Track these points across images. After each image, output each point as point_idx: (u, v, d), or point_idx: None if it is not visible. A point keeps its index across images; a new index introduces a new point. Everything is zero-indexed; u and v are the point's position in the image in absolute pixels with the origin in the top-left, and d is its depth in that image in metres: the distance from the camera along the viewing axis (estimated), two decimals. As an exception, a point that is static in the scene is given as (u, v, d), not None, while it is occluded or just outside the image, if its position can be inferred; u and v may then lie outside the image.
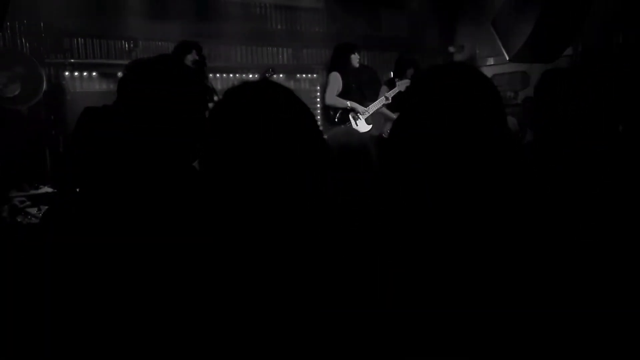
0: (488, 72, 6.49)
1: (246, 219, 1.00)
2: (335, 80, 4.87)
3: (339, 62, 4.87)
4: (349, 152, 1.67)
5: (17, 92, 4.75)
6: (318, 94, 5.17)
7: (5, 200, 3.50)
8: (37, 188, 4.29)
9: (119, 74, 5.64)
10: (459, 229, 1.08)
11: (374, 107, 4.98)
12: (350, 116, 4.89)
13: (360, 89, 4.94)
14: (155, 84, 1.32)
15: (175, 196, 1.27)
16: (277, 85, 1.08)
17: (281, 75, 6.16)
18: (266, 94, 1.05)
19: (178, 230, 1.11)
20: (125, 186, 1.30)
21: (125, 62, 5.58)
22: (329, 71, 4.95)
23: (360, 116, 4.91)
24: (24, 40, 5.17)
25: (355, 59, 4.84)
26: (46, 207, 3.60)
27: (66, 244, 1.26)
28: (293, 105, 1.07)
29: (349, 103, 4.83)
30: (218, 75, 5.92)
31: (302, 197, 1.01)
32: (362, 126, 4.90)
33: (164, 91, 1.32)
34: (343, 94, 4.86)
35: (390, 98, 4.96)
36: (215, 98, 4.10)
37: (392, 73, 5.39)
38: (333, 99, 4.82)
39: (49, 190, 4.27)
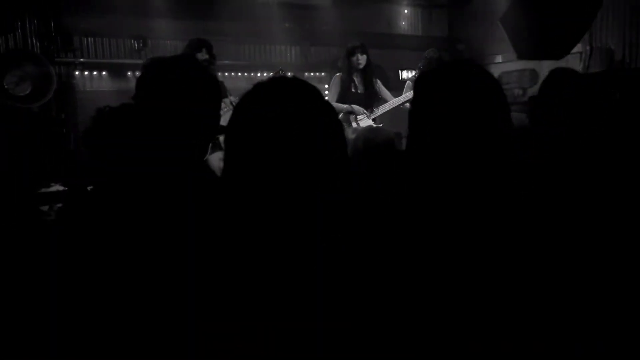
0: (496, 69, 6.45)
1: (268, 216, 1.00)
2: (334, 84, 4.89)
3: (343, 64, 4.87)
4: (373, 149, 1.67)
5: (28, 91, 4.80)
6: (326, 92, 5.15)
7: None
8: (49, 186, 4.33)
9: (129, 73, 5.71)
10: (464, 227, 1.09)
11: (383, 108, 4.95)
12: (350, 119, 4.85)
13: (368, 89, 4.92)
14: (175, 83, 1.34)
15: (188, 194, 1.28)
16: (303, 83, 1.08)
17: (289, 74, 6.17)
18: (292, 91, 1.05)
19: (189, 228, 1.12)
20: (139, 184, 1.32)
21: (134, 61, 5.64)
22: (337, 71, 4.97)
23: (359, 118, 4.88)
24: (34, 40, 5.22)
25: (355, 61, 4.78)
26: (58, 205, 3.64)
27: (77, 243, 1.28)
28: (317, 103, 1.07)
29: (345, 106, 4.79)
30: (226, 74, 5.94)
31: (325, 198, 1.01)
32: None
33: (184, 90, 1.34)
34: (344, 95, 4.84)
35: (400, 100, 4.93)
36: (231, 97, 4.13)
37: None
38: (332, 104, 4.77)
39: (60, 188, 4.31)
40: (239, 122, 1.04)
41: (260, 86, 1.07)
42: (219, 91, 1.45)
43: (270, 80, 1.08)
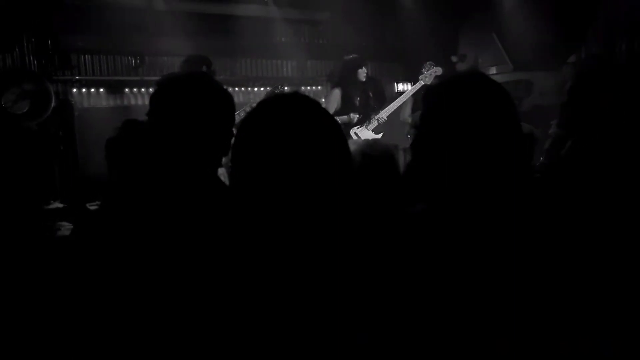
0: (491, 80, 6.44)
1: (273, 227, 1.02)
2: (334, 99, 4.85)
3: (345, 77, 4.85)
4: (372, 163, 1.67)
5: (26, 109, 4.79)
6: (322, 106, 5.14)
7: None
8: (48, 204, 4.31)
9: (126, 90, 5.72)
10: (473, 235, 1.10)
11: (386, 112, 4.94)
12: (351, 132, 4.80)
13: (367, 101, 4.93)
14: (189, 100, 1.36)
15: (202, 204, 1.29)
16: (307, 99, 1.10)
17: (286, 88, 6.19)
18: (296, 107, 1.07)
19: (203, 236, 1.13)
20: (154, 197, 1.32)
21: (132, 78, 5.65)
22: (333, 86, 4.95)
23: (358, 129, 4.85)
24: (32, 58, 5.22)
25: (362, 73, 4.82)
26: (58, 222, 3.63)
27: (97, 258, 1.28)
28: (322, 118, 1.09)
29: (343, 117, 4.72)
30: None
31: (328, 208, 1.03)
32: (366, 137, 4.82)
33: (198, 106, 1.36)
34: (344, 109, 4.81)
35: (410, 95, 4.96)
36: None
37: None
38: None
39: (60, 205, 4.29)
40: (245, 139, 1.06)
41: (264, 103, 1.09)
42: (232, 108, 1.47)
43: (274, 97, 1.10)
